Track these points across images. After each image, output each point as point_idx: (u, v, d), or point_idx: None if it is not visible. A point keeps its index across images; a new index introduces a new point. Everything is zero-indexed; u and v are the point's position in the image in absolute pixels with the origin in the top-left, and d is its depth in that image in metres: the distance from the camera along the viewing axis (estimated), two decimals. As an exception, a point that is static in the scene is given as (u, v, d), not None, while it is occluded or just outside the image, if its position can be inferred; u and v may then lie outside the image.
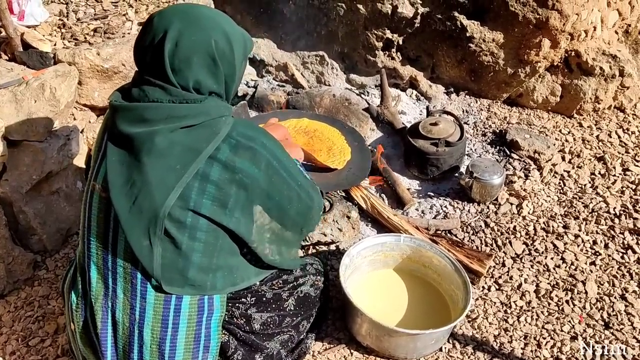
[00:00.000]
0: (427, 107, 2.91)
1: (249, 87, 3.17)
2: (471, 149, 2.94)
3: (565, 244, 2.39)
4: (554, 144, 2.89)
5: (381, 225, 2.50)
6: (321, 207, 1.71)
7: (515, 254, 2.36)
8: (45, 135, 2.19)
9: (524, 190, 2.65)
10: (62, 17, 2.58)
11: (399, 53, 3.13)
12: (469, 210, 2.61)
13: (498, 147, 2.93)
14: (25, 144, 2.14)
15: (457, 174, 2.77)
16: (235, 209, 1.40)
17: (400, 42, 3.08)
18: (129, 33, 2.54)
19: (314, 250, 2.38)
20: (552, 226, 2.48)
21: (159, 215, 1.31)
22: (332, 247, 2.39)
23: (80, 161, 2.40)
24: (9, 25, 2.17)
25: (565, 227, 2.47)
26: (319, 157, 2.51)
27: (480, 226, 2.51)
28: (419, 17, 2.93)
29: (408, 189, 2.71)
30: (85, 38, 2.48)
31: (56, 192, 2.30)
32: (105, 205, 1.41)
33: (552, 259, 2.33)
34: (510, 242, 2.41)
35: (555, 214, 2.55)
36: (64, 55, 2.28)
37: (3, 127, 2.00)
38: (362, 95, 3.10)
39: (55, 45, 2.41)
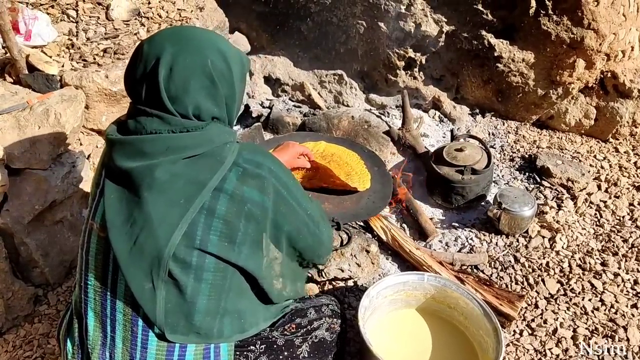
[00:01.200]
0: (452, 131, 2.75)
1: (263, 107, 3.04)
2: (498, 176, 2.77)
3: (603, 283, 2.21)
4: (589, 171, 2.70)
5: (402, 259, 2.34)
6: (331, 238, 1.61)
7: (549, 293, 2.18)
8: (49, 163, 2.08)
9: (557, 222, 2.47)
10: (72, 36, 2.47)
11: (421, 72, 2.98)
12: (496, 243, 2.43)
13: (527, 174, 2.76)
14: (27, 172, 2.03)
15: (483, 203, 2.61)
16: (244, 244, 1.29)
17: (423, 61, 2.93)
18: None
19: (331, 287, 2.23)
20: (589, 263, 2.30)
21: (162, 256, 1.20)
22: (350, 282, 2.24)
23: (86, 187, 2.29)
24: (13, 47, 2.07)
25: (603, 264, 2.29)
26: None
27: (510, 261, 2.34)
28: (443, 35, 2.78)
29: (431, 219, 2.55)
30: (95, 59, 2.37)
31: (60, 221, 2.19)
32: (104, 246, 1.30)
33: (589, 300, 2.14)
34: (543, 281, 2.22)
35: (592, 249, 2.37)
36: (70, 78, 2.18)
37: (4, 155, 1.89)
38: (382, 117, 2.95)
39: (62, 66, 2.31)
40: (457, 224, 2.55)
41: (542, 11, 2.54)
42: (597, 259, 2.31)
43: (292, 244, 1.44)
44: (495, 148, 2.93)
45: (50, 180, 2.07)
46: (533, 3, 2.52)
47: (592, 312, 2.10)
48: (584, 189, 2.63)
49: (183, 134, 1.23)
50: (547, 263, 2.31)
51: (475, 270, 2.30)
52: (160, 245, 1.20)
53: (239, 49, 1.38)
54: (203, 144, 1.24)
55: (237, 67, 1.32)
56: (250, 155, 1.31)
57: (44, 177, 2.05)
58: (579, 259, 2.33)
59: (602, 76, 2.77)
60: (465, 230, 2.51)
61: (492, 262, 2.34)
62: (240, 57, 1.35)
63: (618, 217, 2.49)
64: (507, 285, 2.22)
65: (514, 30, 2.69)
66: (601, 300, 2.14)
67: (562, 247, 2.38)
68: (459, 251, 2.41)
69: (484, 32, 2.71)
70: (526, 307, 2.13)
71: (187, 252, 1.22)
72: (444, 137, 2.99)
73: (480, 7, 2.62)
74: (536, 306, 2.13)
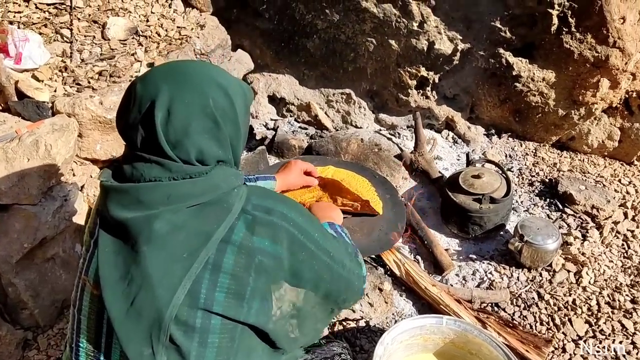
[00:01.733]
0: (467, 155, 2.59)
1: (268, 129, 2.90)
2: (517, 202, 2.61)
3: (635, 323, 2.05)
4: (614, 197, 2.54)
5: (417, 296, 2.20)
6: (362, 277, 1.42)
7: (578, 335, 2.02)
8: (39, 198, 1.94)
9: (582, 254, 2.31)
10: (65, 57, 2.34)
11: (434, 91, 2.83)
12: (518, 277, 2.28)
13: (548, 200, 2.60)
14: (16, 208, 1.90)
15: (502, 233, 2.45)
16: (253, 299, 1.14)
17: (436, 80, 2.78)
18: (137, 76, 2.29)
19: (341, 327, 2.08)
20: (618, 300, 2.14)
21: (163, 318, 1.06)
22: (362, 322, 2.09)
23: (80, 221, 2.15)
24: (1, 73, 1.94)
25: (634, 301, 2.13)
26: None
27: (533, 298, 2.18)
28: (458, 53, 2.62)
29: (446, 250, 2.39)
30: (89, 82, 2.24)
31: (51, 258, 2.05)
32: (97, 305, 1.16)
33: (620, 342, 1.99)
34: (570, 321, 2.07)
35: (621, 284, 2.21)
36: (62, 105, 2.04)
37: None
38: (393, 138, 2.79)
39: (55, 91, 2.17)
40: (474, 256, 2.39)
41: (564, 29, 2.38)
42: (627, 295, 2.16)
43: (316, 290, 1.29)
44: (512, 171, 2.77)
45: (40, 216, 1.93)
46: (555, 20, 2.37)
47: (624, 357, 1.94)
48: (610, 217, 2.47)
49: (185, 181, 1.10)
50: (574, 300, 2.15)
51: (496, 309, 2.15)
52: (161, 307, 1.06)
53: (239, 80, 1.25)
54: (208, 191, 1.11)
55: (241, 102, 1.19)
56: (260, 200, 1.18)
57: (33, 213, 1.91)
58: (608, 295, 2.17)
59: (627, 96, 2.61)
60: (483, 262, 2.36)
61: (514, 300, 2.18)
62: (242, 89, 1.22)
63: (647, 249, 2.34)
64: (531, 326, 2.07)
65: (534, 48, 2.54)
66: (633, 343, 1.99)
67: (589, 283, 2.23)
68: (478, 286, 2.26)
69: (501, 50, 2.55)
70: (553, 351, 1.97)
71: (191, 314, 1.08)
72: (458, 159, 2.84)
73: (498, 24, 2.47)
74: (564, 350, 1.98)
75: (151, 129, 1.08)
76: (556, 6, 2.33)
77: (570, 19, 2.35)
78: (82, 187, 2.15)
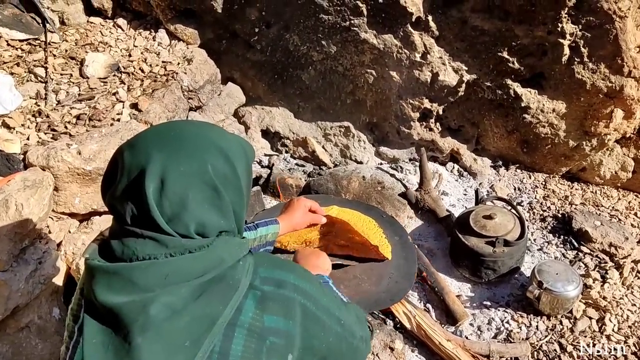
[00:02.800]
0: (477, 192, 2.43)
1: (262, 167, 2.72)
2: (530, 240, 2.46)
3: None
4: (632, 234, 2.39)
5: (430, 351, 2.02)
6: (368, 343, 1.29)
7: (606, 394, 1.86)
8: (10, 262, 1.75)
9: (604, 298, 2.16)
10: (39, 99, 2.14)
11: (438, 123, 2.67)
12: (537, 326, 2.11)
13: (563, 237, 2.45)
14: (-17, 277, 1.68)
15: (517, 276, 2.29)
16: None
17: (440, 112, 2.63)
18: (118, 120, 2.10)
19: (350, 392, 1.88)
20: (646, 350, 1.98)
21: None
22: (372, 386, 1.90)
23: (58, 281, 1.95)
24: (-35, 125, 1.74)
25: (663, 351, 1.97)
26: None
27: (555, 350, 2.02)
28: (463, 85, 2.48)
29: (458, 296, 2.23)
30: (66, 127, 2.05)
31: (26, 327, 1.86)
32: None
33: (653, 400, 1.82)
34: (597, 377, 1.90)
35: (646, 331, 2.05)
36: (35, 157, 1.84)
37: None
38: (396, 174, 2.62)
39: (28, 138, 1.98)
40: (488, 303, 2.23)
41: (576, 59, 2.25)
42: (655, 345, 2.00)
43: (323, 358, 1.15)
44: (522, 205, 2.62)
45: (11, 284, 1.73)
46: (566, 50, 2.23)
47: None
48: (629, 255, 2.32)
49: (184, 257, 0.96)
50: (599, 353, 1.99)
51: (516, 364, 1.98)
52: None
53: (239, 138, 1.11)
54: (211, 267, 0.97)
55: (242, 165, 1.05)
56: (269, 272, 1.05)
57: (3, 280, 1.72)
58: (634, 344, 2.02)
59: (641, 126, 2.48)
60: (499, 310, 2.19)
61: (535, 352, 2.02)
62: (243, 149, 1.08)
63: (672, 290, 2.19)
64: (556, 384, 1.90)
65: (543, 79, 2.40)
66: (667, 401, 1.82)
67: (613, 331, 2.07)
68: (495, 337, 2.10)
69: (509, 81, 2.41)
70: (582, 414, 1.81)
71: None
72: (465, 194, 2.68)
73: (505, 54, 2.32)
74: (593, 412, 1.81)
75: (143, 201, 0.94)
76: (568, 36, 2.19)
77: (582, 49, 2.22)
78: (59, 244, 1.96)
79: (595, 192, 2.67)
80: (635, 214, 2.54)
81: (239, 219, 1.06)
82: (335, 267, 2.07)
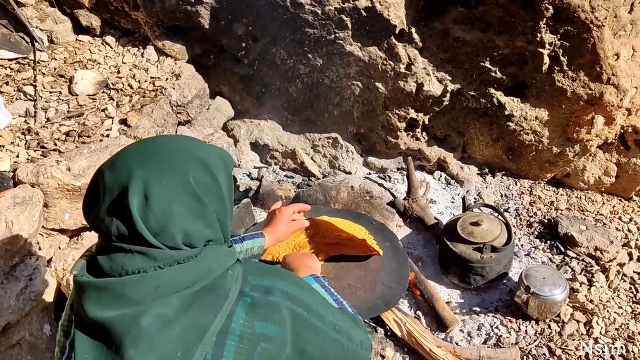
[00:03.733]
0: (464, 199, 2.47)
1: (252, 179, 2.74)
2: (517, 245, 2.49)
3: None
4: (617, 237, 2.43)
5: (422, 359, 2.03)
6: (368, 345, 1.25)
7: (594, 396, 1.88)
8: (1, 280, 1.76)
9: (591, 301, 2.19)
10: (29, 117, 2.16)
11: (424, 133, 2.72)
12: (526, 331, 2.14)
13: (549, 242, 2.48)
14: (-26, 295, 1.69)
15: (505, 281, 2.32)
16: None
17: (426, 121, 2.67)
18: (107, 135, 2.12)
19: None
20: (632, 352, 2.02)
21: None
22: (364, 394, 1.91)
23: (48, 297, 1.95)
24: (-45, 144, 1.76)
25: (649, 352, 2.00)
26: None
27: (544, 354, 2.04)
28: (448, 94, 2.52)
29: (448, 303, 2.25)
30: (55, 144, 2.06)
31: (17, 344, 1.86)
32: None
33: (641, 401, 1.85)
34: (585, 380, 1.93)
35: (633, 332, 2.09)
36: (25, 174, 1.86)
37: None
38: (385, 183, 2.66)
39: (17, 156, 1.99)
40: (478, 308, 2.25)
41: (556, 67, 2.30)
42: (641, 345, 2.03)
43: None
44: (509, 212, 2.66)
45: (2, 301, 1.74)
46: (546, 59, 2.29)
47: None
48: (614, 258, 2.36)
49: (173, 268, 0.97)
50: (587, 355, 2.02)
51: (506, 369, 2.00)
52: None
53: (216, 148, 1.13)
54: (200, 277, 0.99)
55: (222, 173, 1.07)
56: (258, 279, 1.07)
57: (-6, 298, 1.71)
58: (621, 347, 2.05)
59: (622, 131, 2.53)
60: (488, 315, 2.22)
61: (525, 357, 2.04)
62: (222, 158, 1.10)
63: (657, 292, 2.22)
64: (545, 388, 1.92)
65: (525, 87, 2.45)
66: (654, 401, 1.85)
67: (600, 333, 2.10)
68: (485, 343, 2.12)
69: (492, 90, 2.46)
70: (572, 416, 1.83)
71: None
72: (452, 202, 2.72)
73: (487, 64, 2.37)
74: (583, 414, 1.83)
75: (128, 218, 0.95)
76: (547, 45, 2.24)
77: (562, 58, 2.27)
78: (50, 260, 1.96)
79: (580, 197, 2.72)
80: (620, 218, 2.58)
81: (224, 226, 1.08)
82: (332, 259, 2.12)
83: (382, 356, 1.94)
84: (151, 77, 2.46)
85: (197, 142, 1.09)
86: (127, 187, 0.95)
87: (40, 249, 1.93)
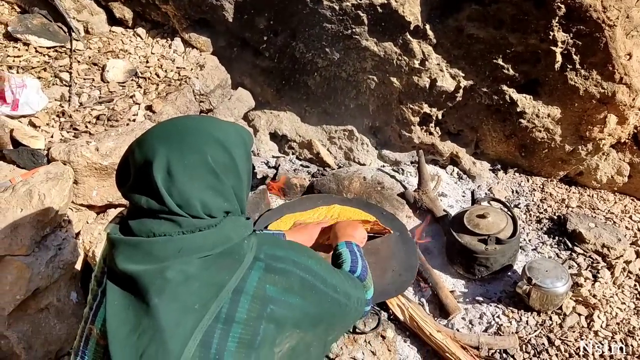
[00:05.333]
0: (472, 193, 2.53)
1: (269, 167, 2.86)
2: (525, 240, 2.54)
3: (650, 373, 1.95)
4: (625, 236, 2.46)
5: (422, 342, 2.12)
6: (362, 300, 1.43)
7: (590, 385, 1.93)
8: (33, 248, 1.91)
9: (594, 296, 2.23)
10: (63, 102, 2.33)
11: (437, 128, 2.78)
12: (527, 321, 2.19)
13: (557, 238, 2.52)
14: (8, 260, 1.86)
15: (510, 274, 2.38)
16: (262, 347, 1.14)
17: (440, 116, 2.74)
18: (134, 120, 2.27)
19: (343, 378, 2.00)
20: (632, 345, 2.06)
21: None
22: (365, 372, 2.01)
23: (76, 267, 2.11)
24: (-5, 123, 1.93)
25: (648, 347, 2.03)
26: None
27: (543, 344, 2.09)
28: (461, 90, 2.58)
29: (452, 292, 2.32)
30: (86, 127, 2.22)
31: (45, 308, 2.01)
32: (102, 355, 1.12)
33: (636, 393, 1.89)
34: (582, 370, 1.98)
35: (634, 327, 2.12)
36: (58, 152, 2.01)
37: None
38: (397, 175, 2.74)
39: (52, 137, 2.16)
40: (481, 298, 2.31)
41: (568, 66, 2.34)
42: (642, 341, 2.07)
43: (326, 326, 1.31)
44: (520, 208, 2.70)
45: (33, 267, 1.89)
46: (559, 57, 2.33)
47: (640, 409, 1.85)
48: (621, 256, 2.38)
49: (196, 234, 1.11)
50: (586, 347, 2.06)
51: (504, 356, 2.06)
52: (172, 358, 1.04)
53: (237, 127, 1.25)
54: (219, 244, 1.12)
55: (240, 151, 1.20)
56: (271, 249, 1.19)
57: (26, 264, 1.88)
58: (621, 340, 2.08)
59: (635, 131, 2.55)
60: (490, 305, 2.28)
61: (524, 346, 2.10)
62: (241, 137, 1.23)
63: (661, 290, 2.25)
64: (541, 376, 1.98)
65: (538, 85, 2.49)
66: (649, 394, 1.89)
67: (601, 327, 2.14)
68: (485, 331, 2.18)
69: (505, 87, 2.51)
70: (565, 403, 1.88)
71: None
72: (463, 196, 2.78)
73: (500, 61, 2.43)
74: (576, 402, 1.88)
75: (155, 191, 1.09)
76: (559, 44, 2.28)
77: (574, 56, 2.31)
78: (78, 234, 2.12)
79: (592, 196, 2.74)
80: (630, 217, 2.60)
81: (240, 200, 1.21)
82: None
83: (383, 337, 2.03)
84: (177, 67, 2.60)
85: (217, 122, 1.22)
86: (152, 163, 1.09)
87: (69, 222, 2.09)
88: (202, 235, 1.11)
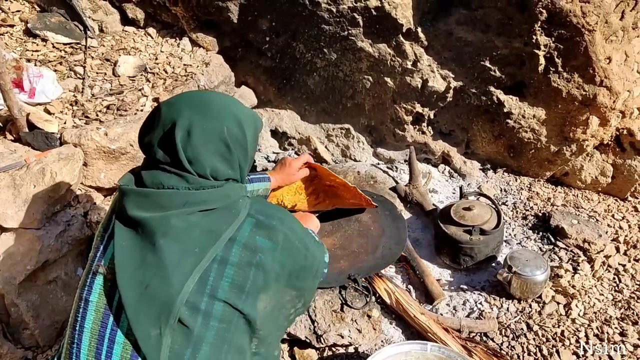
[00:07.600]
0: (461, 188, 2.66)
1: (269, 161, 3.00)
2: (510, 235, 2.65)
3: (622, 356, 2.05)
4: (606, 232, 2.56)
5: (407, 324, 2.22)
6: (321, 258, 1.59)
7: (564, 367, 2.02)
8: (43, 222, 2.06)
9: (573, 286, 2.33)
10: (77, 92, 2.50)
11: (430, 127, 2.92)
12: (507, 308, 2.29)
13: (541, 234, 2.63)
14: (20, 232, 2.00)
15: (494, 264, 2.48)
16: (251, 294, 1.30)
17: (432, 116, 2.88)
18: (142, 110, 2.43)
19: (330, 353, 2.11)
20: (607, 333, 2.14)
21: (175, 303, 1.19)
22: (351, 349, 2.12)
23: (83, 244, 2.25)
24: (13, 106, 2.09)
25: (622, 334, 2.13)
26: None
27: (522, 329, 2.19)
28: (451, 91, 2.72)
29: (438, 280, 2.43)
30: (97, 115, 2.38)
31: (53, 280, 2.14)
32: (109, 288, 1.25)
33: (608, 375, 1.98)
34: (557, 352, 2.08)
35: (610, 317, 2.22)
36: (70, 136, 2.17)
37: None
38: (390, 171, 2.87)
39: (65, 123, 2.32)
40: (465, 287, 2.42)
41: (551, 68, 2.47)
42: (616, 328, 2.16)
43: (297, 283, 1.45)
44: (507, 205, 2.82)
45: (43, 240, 2.03)
46: (542, 60, 2.46)
47: (612, 390, 1.94)
48: (601, 251, 2.49)
49: (200, 191, 1.27)
50: (562, 332, 2.16)
51: (484, 339, 2.17)
52: (173, 292, 1.19)
53: (252, 111, 1.44)
54: (219, 200, 1.29)
55: (251, 131, 1.37)
56: (263, 209, 1.37)
57: (37, 237, 2.02)
58: (597, 327, 2.18)
59: (617, 133, 2.66)
60: (474, 293, 2.39)
61: (503, 330, 2.20)
62: (254, 120, 1.40)
63: (638, 282, 2.34)
64: (518, 356, 2.08)
65: (524, 87, 2.62)
66: (621, 376, 1.98)
67: (579, 315, 2.24)
68: (467, 316, 2.29)
69: (492, 88, 2.64)
70: (539, 383, 1.98)
71: (198, 298, 1.22)
72: (453, 193, 2.90)
73: (487, 63, 2.57)
74: (550, 382, 1.98)
75: (172, 146, 1.26)
76: (542, 47, 2.42)
77: (556, 59, 2.44)
78: (86, 213, 2.26)
79: (577, 195, 2.85)
80: (613, 216, 2.70)
81: (242, 171, 1.39)
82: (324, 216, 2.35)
83: (369, 316, 2.14)
84: (184, 64, 2.77)
85: (238, 103, 1.41)
86: (176, 122, 1.26)
87: (78, 202, 2.24)
88: (206, 192, 1.27)
